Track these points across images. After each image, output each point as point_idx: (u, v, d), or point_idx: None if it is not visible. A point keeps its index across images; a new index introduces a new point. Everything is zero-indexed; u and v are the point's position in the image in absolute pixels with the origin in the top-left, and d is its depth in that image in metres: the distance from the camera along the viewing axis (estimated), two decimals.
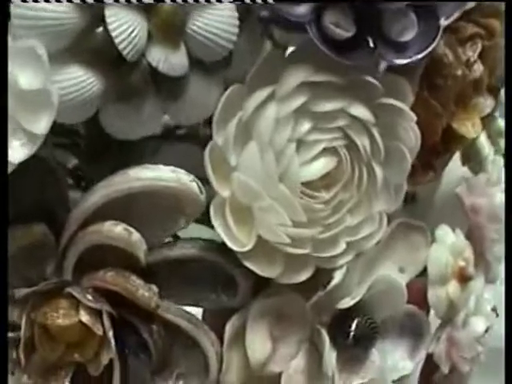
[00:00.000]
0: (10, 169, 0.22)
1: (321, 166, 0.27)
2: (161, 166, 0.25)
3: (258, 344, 0.29)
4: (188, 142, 0.42)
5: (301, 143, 0.26)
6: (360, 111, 0.27)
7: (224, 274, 0.28)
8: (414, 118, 0.28)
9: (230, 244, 0.26)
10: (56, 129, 0.37)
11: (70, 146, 0.38)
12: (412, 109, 0.28)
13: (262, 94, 0.26)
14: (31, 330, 0.26)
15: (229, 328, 0.29)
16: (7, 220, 0.24)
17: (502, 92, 0.32)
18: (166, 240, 0.27)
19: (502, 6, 0.30)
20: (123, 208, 0.26)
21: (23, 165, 0.23)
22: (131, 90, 0.24)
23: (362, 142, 0.27)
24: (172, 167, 0.26)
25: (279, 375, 0.30)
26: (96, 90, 0.23)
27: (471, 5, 0.29)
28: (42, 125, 0.22)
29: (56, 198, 0.26)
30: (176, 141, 0.40)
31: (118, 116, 0.24)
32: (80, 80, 0.23)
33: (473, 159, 0.35)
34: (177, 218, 0.27)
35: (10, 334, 0.26)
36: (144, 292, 0.26)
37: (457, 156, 0.37)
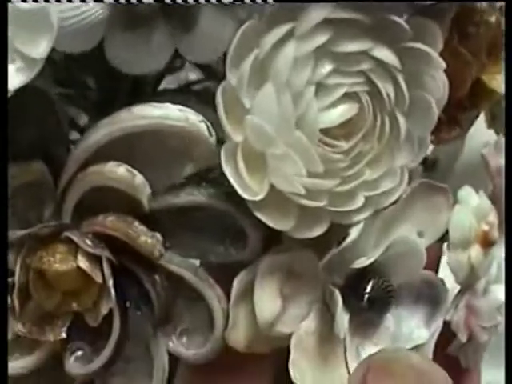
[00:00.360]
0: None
1: (341, 113, 0.25)
2: (168, 105, 0.24)
3: (267, 302, 0.27)
4: (203, 100, 0.40)
5: (320, 86, 0.25)
6: (385, 54, 0.25)
7: (233, 224, 0.26)
8: (443, 65, 0.26)
9: (241, 192, 0.24)
10: (64, 80, 0.36)
11: (78, 98, 0.37)
12: (440, 56, 0.26)
13: (280, 31, 0.24)
14: (26, 275, 0.25)
15: (236, 283, 0.27)
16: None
17: None
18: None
19: None
20: (126, 148, 0.24)
21: (21, 96, 0.22)
22: (138, 17, 0.22)
23: (386, 88, 0.25)
24: (180, 106, 0.24)
25: (288, 336, 0.28)
26: (100, 16, 0.21)
27: None
28: (40, 49, 0.20)
29: (55, 136, 0.25)
30: (192, 96, 0.39)
31: (124, 46, 0.22)
32: (82, 3, 0.21)
33: (500, 119, 0.33)
34: (184, 162, 0.25)
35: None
36: (147, 239, 0.24)
37: (480, 120, 0.35)
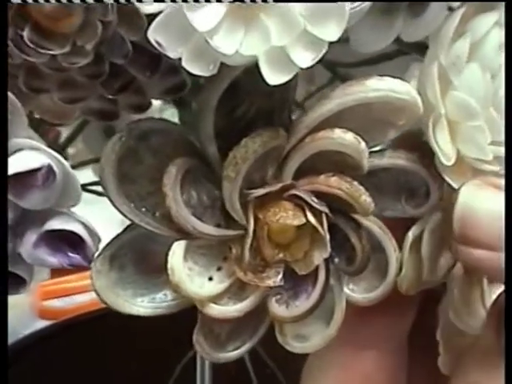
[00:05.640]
0: (293, 72, 0.23)
1: None
2: (389, 78, 0.27)
3: (433, 254, 0.31)
4: None
5: None
6: None
7: (412, 184, 0.30)
8: None
9: (441, 157, 0.28)
10: None
11: None
12: None
13: (491, 19, 0.27)
14: (256, 228, 0.27)
15: (409, 236, 0.31)
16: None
17: None
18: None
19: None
20: (337, 115, 0.27)
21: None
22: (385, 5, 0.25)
23: None
24: (400, 80, 0.27)
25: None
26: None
27: None
28: (331, 31, 0.23)
29: (282, 105, 0.27)
30: None
31: (369, 29, 0.25)
32: None
33: None
34: (388, 128, 0.28)
35: (232, 232, 0.28)
36: (366, 198, 0.27)
37: None
